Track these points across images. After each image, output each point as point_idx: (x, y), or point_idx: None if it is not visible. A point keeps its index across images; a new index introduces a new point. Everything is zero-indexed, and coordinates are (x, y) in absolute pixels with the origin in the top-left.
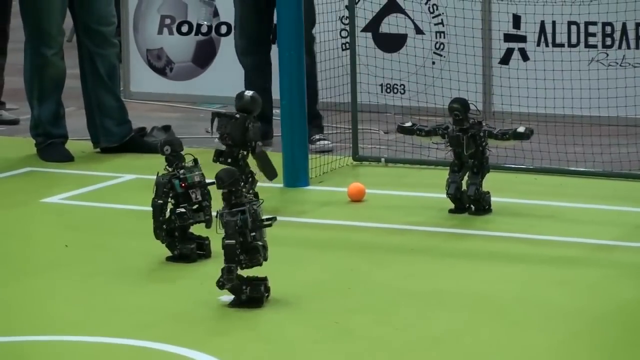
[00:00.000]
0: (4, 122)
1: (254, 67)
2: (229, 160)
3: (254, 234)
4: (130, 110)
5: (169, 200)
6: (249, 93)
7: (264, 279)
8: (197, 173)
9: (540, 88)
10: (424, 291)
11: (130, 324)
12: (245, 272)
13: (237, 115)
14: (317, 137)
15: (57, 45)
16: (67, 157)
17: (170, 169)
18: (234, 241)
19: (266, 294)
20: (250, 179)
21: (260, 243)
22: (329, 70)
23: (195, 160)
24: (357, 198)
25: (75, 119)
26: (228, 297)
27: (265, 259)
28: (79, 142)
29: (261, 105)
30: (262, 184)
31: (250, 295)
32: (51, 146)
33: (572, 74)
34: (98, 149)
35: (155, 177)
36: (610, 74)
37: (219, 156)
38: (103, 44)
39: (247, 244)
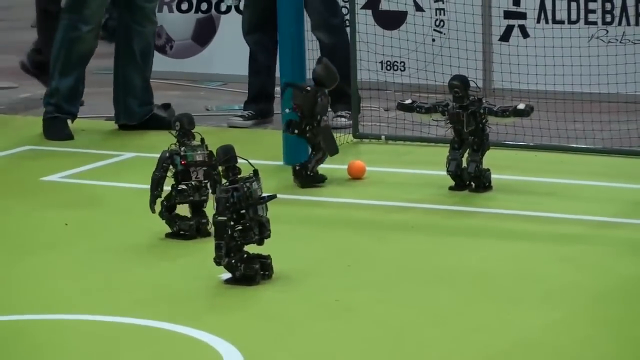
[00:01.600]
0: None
1: (259, 44)
2: (296, 131)
3: (248, 211)
4: None
5: (170, 176)
6: (321, 65)
7: (265, 257)
8: (199, 152)
9: (540, 65)
10: (424, 268)
11: (130, 302)
12: (252, 250)
13: (309, 88)
14: (340, 113)
15: (94, 22)
16: (67, 136)
17: (176, 145)
18: (224, 218)
19: (266, 272)
20: (319, 150)
21: (255, 220)
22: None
23: (202, 140)
24: (357, 175)
25: None
26: (227, 274)
27: (263, 236)
28: (77, 120)
29: (336, 80)
30: (261, 162)
31: (244, 272)
32: (55, 121)
33: (572, 51)
34: (116, 126)
35: (157, 154)
36: (610, 50)
37: (288, 126)
38: (143, 21)
39: (241, 221)
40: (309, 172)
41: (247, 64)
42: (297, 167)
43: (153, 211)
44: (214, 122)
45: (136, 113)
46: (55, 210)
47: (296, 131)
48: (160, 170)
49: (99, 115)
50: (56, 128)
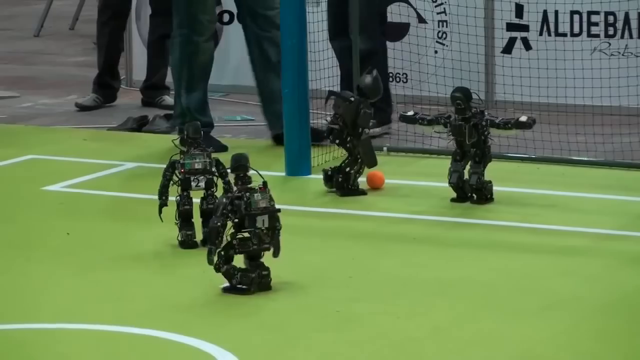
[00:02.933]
0: (167, 108)
1: (341, 50)
2: (337, 141)
3: (245, 221)
4: (133, 98)
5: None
6: (369, 76)
7: (263, 268)
8: (198, 160)
9: (543, 77)
10: (426, 280)
11: (131, 312)
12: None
13: (352, 98)
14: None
15: (208, 32)
16: (221, 148)
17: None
18: (217, 224)
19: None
20: (359, 160)
21: (252, 230)
22: (331, 58)
23: (202, 148)
24: (377, 185)
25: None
26: (227, 283)
27: (260, 248)
28: (79, 129)
29: (380, 94)
30: (263, 172)
31: (240, 281)
32: (204, 137)
33: (574, 64)
34: (271, 140)
35: (158, 164)
36: (612, 63)
37: (329, 134)
38: (269, 27)
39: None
40: (350, 186)
41: (249, 75)
42: (340, 179)
43: (160, 219)
44: (216, 132)
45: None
46: (56, 220)
47: (337, 141)
48: (165, 176)
49: (101, 125)
50: (208, 142)
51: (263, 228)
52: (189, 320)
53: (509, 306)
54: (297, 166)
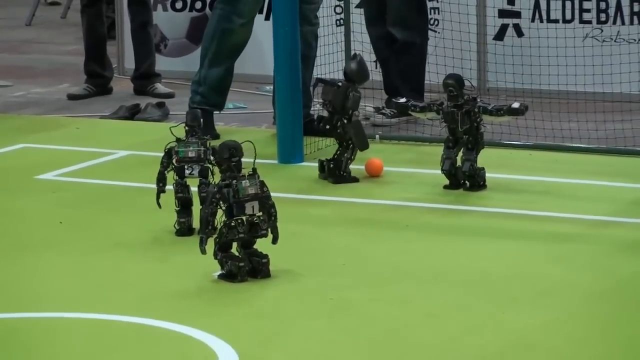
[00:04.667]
0: (159, 96)
1: (376, 39)
2: (328, 126)
3: (233, 209)
4: (124, 87)
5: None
6: (354, 62)
7: (260, 256)
8: (192, 148)
9: (535, 64)
10: (419, 267)
11: (125, 301)
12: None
13: (340, 84)
14: (384, 111)
15: (248, 16)
16: (213, 136)
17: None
18: (207, 212)
19: (261, 269)
20: (351, 146)
21: (240, 218)
22: (323, 46)
23: (198, 137)
24: (376, 173)
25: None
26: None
27: (255, 235)
28: (73, 119)
29: (367, 79)
30: (256, 160)
31: (229, 268)
32: (203, 115)
33: (566, 50)
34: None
35: (151, 152)
36: (604, 50)
37: (319, 122)
38: (301, 21)
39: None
40: (342, 172)
41: (242, 63)
42: (331, 166)
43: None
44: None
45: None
46: (49, 209)
47: (328, 126)
48: (163, 164)
49: (93, 114)
50: (204, 123)
51: (255, 215)
52: (182, 308)
53: (503, 293)
54: (290, 154)
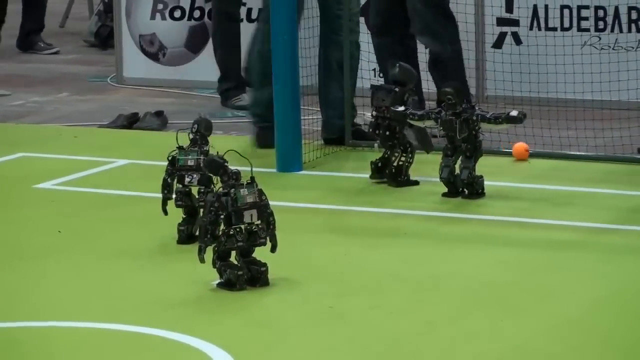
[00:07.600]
0: (241, 108)
1: (384, 48)
2: (387, 132)
3: (232, 217)
4: (123, 95)
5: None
6: (396, 67)
7: (259, 265)
8: (191, 157)
9: (533, 72)
10: (418, 275)
11: (123, 309)
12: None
13: (397, 89)
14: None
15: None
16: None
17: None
18: (206, 221)
19: (259, 277)
20: (409, 149)
21: (239, 226)
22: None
23: (195, 144)
24: (522, 156)
25: (69, 105)
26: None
27: (254, 244)
28: (72, 128)
29: (415, 78)
30: (254, 169)
31: (228, 277)
32: (266, 130)
33: (565, 58)
34: (321, 141)
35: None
36: (603, 57)
37: (375, 128)
38: (339, 29)
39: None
40: (403, 177)
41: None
42: (393, 171)
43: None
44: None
45: (335, 125)
46: (48, 218)
47: (387, 133)
48: (167, 172)
49: (91, 122)
50: (267, 136)
51: (254, 223)
52: (181, 316)
53: (501, 301)
54: (289, 162)
